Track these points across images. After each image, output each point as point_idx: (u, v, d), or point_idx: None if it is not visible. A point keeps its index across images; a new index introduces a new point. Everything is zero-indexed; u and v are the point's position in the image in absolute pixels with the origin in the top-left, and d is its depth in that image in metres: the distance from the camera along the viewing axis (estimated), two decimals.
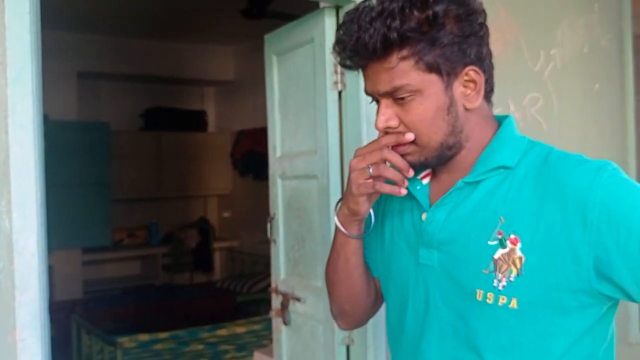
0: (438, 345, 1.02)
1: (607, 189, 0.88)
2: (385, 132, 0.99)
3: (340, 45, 0.98)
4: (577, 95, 2.51)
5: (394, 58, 0.93)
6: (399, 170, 1.00)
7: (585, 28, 2.52)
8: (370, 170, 0.99)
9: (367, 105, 1.98)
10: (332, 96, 2.06)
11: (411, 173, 0.99)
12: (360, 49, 0.94)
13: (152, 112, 6.05)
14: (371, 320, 1.31)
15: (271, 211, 2.44)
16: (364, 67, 0.99)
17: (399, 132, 0.98)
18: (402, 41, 0.92)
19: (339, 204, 1.09)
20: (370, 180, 1.00)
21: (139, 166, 5.90)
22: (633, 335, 2.53)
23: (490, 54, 1.00)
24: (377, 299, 1.22)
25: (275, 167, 2.42)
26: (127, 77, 5.81)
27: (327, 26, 2.05)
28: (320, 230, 2.13)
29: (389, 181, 1.00)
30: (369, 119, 1.98)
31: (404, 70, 0.93)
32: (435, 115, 0.96)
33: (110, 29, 5.17)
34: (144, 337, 4.18)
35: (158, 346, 4.14)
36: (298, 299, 2.25)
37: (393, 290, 1.13)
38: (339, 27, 0.99)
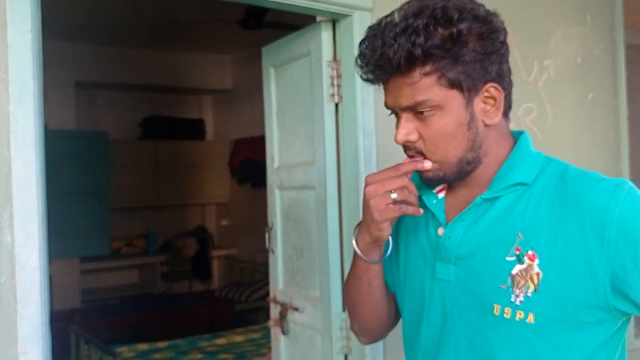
0: (454, 359, 1.03)
1: (625, 208, 0.90)
2: (405, 146, 1.02)
3: (363, 60, 0.99)
4: (570, 104, 2.53)
5: (417, 73, 0.95)
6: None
7: (578, 38, 2.55)
8: (395, 195, 1.00)
9: (363, 117, 2.01)
10: (329, 108, 2.08)
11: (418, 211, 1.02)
12: (384, 64, 0.96)
13: (150, 120, 6.06)
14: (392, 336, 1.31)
15: (269, 221, 2.46)
16: (385, 82, 1.00)
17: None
18: (426, 57, 0.93)
19: (357, 230, 1.10)
20: (392, 205, 1.01)
21: (137, 175, 5.91)
22: (630, 342, 2.55)
23: (509, 72, 1.02)
24: (397, 313, 1.23)
25: (273, 177, 2.44)
26: (125, 86, 5.83)
27: (324, 40, 2.08)
28: (318, 241, 2.15)
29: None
30: (365, 130, 2.01)
31: (426, 86, 0.95)
32: (455, 131, 0.98)
33: (108, 39, 5.20)
34: (142, 346, 4.18)
35: (157, 355, 4.14)
36: (296, 309, 2.27)
37: (408, 303, 1.15)
38: (361, 41, 1.01)
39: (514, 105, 2.54)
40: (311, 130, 2.17)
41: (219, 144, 6.40)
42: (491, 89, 0.98)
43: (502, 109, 1.00)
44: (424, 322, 1.09)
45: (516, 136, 1.07)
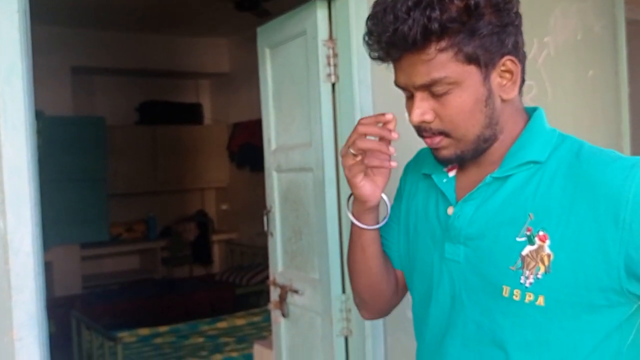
0: (462, 341, 1.01)
1: None
2: (419, 126, 0.98)
3: (373, 37, 0.94)
4: (571, 82, 2.50)
5: (432, 49, 0.90)
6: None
7: (578, 15, 2.51)
8: (351, 149, 1.00)
9: (360, 97, 1.98)
10: (325, 88, 2.06)
11: (394, 136, 0.98)
12: (397, 41, 0.90)
13: (147, 105, 6.03)
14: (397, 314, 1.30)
15: (268, 204, 2.45)
16: (397, 59, 0.95)
17: (433, 129, 0.97)
18: (443, 31, 0.88)
19: (351, 198, 1.10)
20: (357, 160, 1.01)
21: (135, 160, 5.89)
22: None
23: (524, 43, 0.98)
24: (398, 289, 1.22)
25: (270, 160, 2.43)
26: (121, 71, 5.79)
27: (319, 18, 2.04)
28: (316, 223, 2.13)
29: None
30: (362, 110, 1.98)
31: (442, 62, 0.90)
32: (473, 108, 0.94)
33: (103, 23, 5.14)
34: (144, 331, 4.20)
35: (158, 340, 4.16)
36: (296, 291, 2.26)
37: (417, 283, 1.13)
38: (368, 17, 0.95)
39: None
40: (308, 111, 2.14)
41: (217, 128, 6.37)
42: (508, 62, 0.94)
43: (518, 82, 0.97)
44: (432, 302, 1.07)
45: (530, 112, 1.04)
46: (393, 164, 1.01)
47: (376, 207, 1.09)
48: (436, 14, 0.87)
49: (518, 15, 0.96)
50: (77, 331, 4.03)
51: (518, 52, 0.96)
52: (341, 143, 2.07)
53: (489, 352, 0.98)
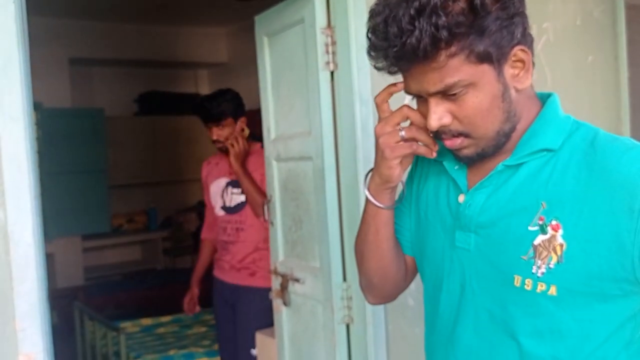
0: (474, 330, 1.01)
1: None
2: (439, 130, 0.95)
3: (378, 52, 0.91)
4: (570, 68, 2.50)
5: (443, 56, 0.86)
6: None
7: (577, 0, 2.50)
8: (403, 133, 0.98)
9: (359, 84, 1.97)
10: (324, 76, 2.05)
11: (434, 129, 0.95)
12: (406, 54, 0.87)
13: (146, 96, 6.02)
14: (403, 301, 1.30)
15: (268, 194, 2.45)
16: (407, 69, 0.92)
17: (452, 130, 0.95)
18: (451, 37, 0.85)
19: (369, 176, 1.08)
20: (403, 142, 0.99)
21: (135, 151, 5.89)
22: None
23: (529, 27, 0.95)
24: (407, 274, 1.20)
25: (269, 149, 2.42)
26: (119, 62, 5.77)
27: (317, 6, 2.03)
28: (316, 212, 2.14)
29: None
30: (362, 98, 1.98)
31: (454, 67, 0.87)
32: (491, 105, 0.91)
33: (100, 14, 5.12)
34: (146, 321, 4.21)
35: (161, 330, 4.17)
36: (297, 280, 2.26)
37: (428, 270, 1.12)
38: (369, 30, 0.92)
39: None
40: (307, 99, 2.14)
41: None
42: (519, 52, 0.91)
43: (531, 70, 0.94)
44: (443, 291, 1.06)
45: (544, 98, 1.01)
46: (434, 153, 1.00)
47: (395, 187, 1.07)
48: (442, 20, 0.84)
49: (522, 1, 0.93)
50: (79, 322, 4.05)
51: (527, 39, 0.93)
52: (340, 131, 2.06)
53: (501, 341, 0.97)
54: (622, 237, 0.86)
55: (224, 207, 2.82)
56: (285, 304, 2.35)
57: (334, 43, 2.03)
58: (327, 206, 2.06)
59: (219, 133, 2.75)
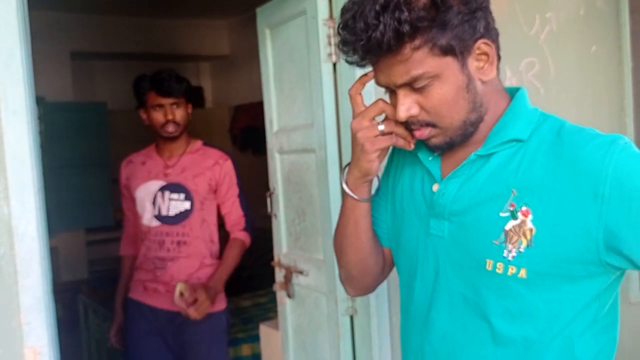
0: (448, 313, 1.05)
1: (619, 164, 0.89)
2: (407, 120, 1.00)
3: (348, 46, 0.96)
4: (573, 58, 2.48)
5: (407, 50, 0.92)
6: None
7: None
8: (382, 126, 1.02)
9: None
10: (326, 68, 2.04)
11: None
12: (372, 48, 0.92)
13: None
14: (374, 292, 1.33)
15: (271, 186, 2.45)
16: (375, 62, 0.98)
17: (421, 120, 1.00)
18: (414, 31, 0.90)
19: (346, 170, 1.12)
20: (382, 136, 1.03)
21: (137, 145, 5.81)
22: (633, 295, 2.56)
23: (494, 21, 1.01)
24: (385, 266, 1.24)
25: (272, 141, 2.42)
26: (121, 55, 5.76)
27: None
28: (319, 204, 2.14)
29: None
30: (364, 90, 1.97)
31: (419, 60, 0.93)
32: (456, 96, 0.96)
33: (101, 8, 5.11)
34: None
35: None
36: (301, 272, 2.27)
37: (403, 259, 1.16)
38: (339, 25, 0.97)
39: (515, 60, 2.49)
40: (309, 91, 2.13)
41: (218, 111, 6.35)
42: (482, 45, 0.97)
43: (495, 62, 0.99)
44: (417, 278, 1.10)
45: (513, 92, 1.06)
46: (412, 145, 1.04)
47: (372, 180, 1.11)
48: (405, 15, 0.88)
49: None
50: (84, 315, 4.07)
51: (490, 33, 0.98)
52: (343, 123, 2.06)
53: (473, 323, 1.02)
54: (588, 221, 0.90)
55: (158, 217, 2.36)
56: (289, 296, 2.36)
57: (336, 34, 2.02)
58: (330, 198, 2.06)
59: (175, 112, 2.38)
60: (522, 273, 0.95)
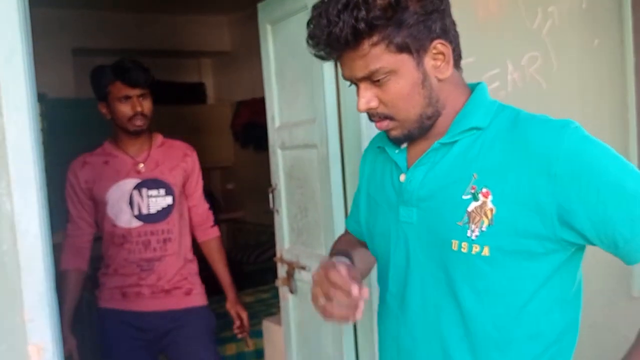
0: (421, 296, 1.12)
1: (569, 145, 0.97)
2: (368, 113, 1.09)
3: (313, 40, 1.04)
4: (576, 52, 2.48)
5: (366, 45, 1.00)
6: None
7: None
8: (321, 300, 1.04)
9: None
10: (328, 64, 2.04)
11: (355, 291, 0.99)
12: (332, 42, 1.01)
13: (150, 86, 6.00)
14: (376, 285, 1.34)
15: (273, 182, 2.45)
16: (338, 57, 1.06)
17: (380, 113, 1.08)
18: (371, 29, 0.99)
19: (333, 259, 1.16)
20: (323, 309, 1.04)
21: None
22: (636, 289, 2.55)
23: (454, 24, 1.08)
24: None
25: (274, 137, 2.42)
26: (122, 51, 5.72)
27: None
28: (322, 199, 2.14)
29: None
30: (350, 86, 1.97)
31: (376, 55, 1.01)
32: (411, 91, 1.04)
33: (102, 4, 5.10)
34: None
35: None
36: (303, 267, 2.27)
37: (378, 249, 1.24)
38: (308, 22, 1.05)
39: (517, 55, 2.48)
40: (311, 87, 2.13)
41: (220, 107, 6.35)
42: (438, 45, 1.04)
43: (452, 62, 1.06)
44: (390, 264, 1.18)
45: (474, 87, 1.14)
46: (358, 316, 1.02)
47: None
48: (362, 14, 0.97)
49: (443, 0, 1.05)
50: (87, 312, 4.07)
51: (448, 34, 1.05)
52: (345, 118, 2.05)
53: (445, 303, 1.08)
54: (542, 199, 0.98)
55: (139, 216, 2.21)
56: (291, 291, 2.36)
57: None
58: (332, 193, 2.06)
59: (143, 104, 2.19)
60: (486, 251, 1.02)
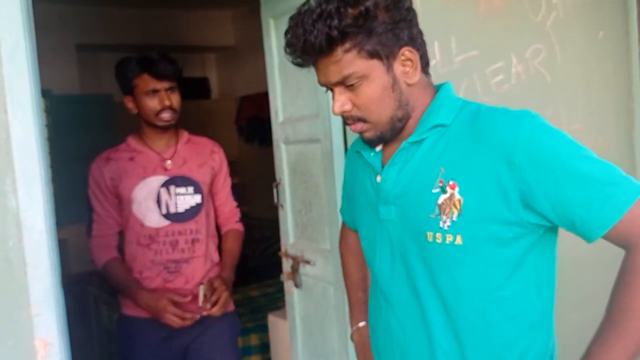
0: (408, 289, 1.19)
1: (527, 134, 1.03)
2: (343, 116, 1.14)
3: (290, 48, 1.11)
4: (580, 44, 2.46)
5: (339, 52, 1.07)
6: None
7: None
8: None
9: None
10: None
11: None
12: (308, 49, 1.08)
13: None
14: None
15: (277, 177, 2.45)
16: (314, 64, 1.13)
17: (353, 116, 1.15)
18: (343, 37, 1.06)
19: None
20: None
21: None
22: None
23: (421, 33, 1.15)
24: None
25: (278, 132, 2.42)
26: (126, 47, 5.74)
27: None
28: (326, 194, 2.14)
29: None
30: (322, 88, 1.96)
31: (349, 61, 1.08)
32: (382, 95, 1.11)
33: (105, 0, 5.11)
34: None
35: None
36: (308, 262, 2.28)
37: (365, 248, 1.32)
38: (286, 31, 1.12)
39: (521, 47, 2.46)
40: (314, 81, 2.11)
41: (224, 102, 6.35)
42: (406, 52, 1.11)
43: (419, 67, 1.13)
44: (376, 261, 1.25)
45: (439, 87, 1.21)
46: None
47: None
48: (335, 22, 1.04)
49: (410, 10, 1.12)
50: (94, 307, 4.10)
51: (415, 42, 1.12)
52: None
53: (427, 294, 1.15)
54: (505, 186, 1.04)
55: (167, 215, 2.09)
56: (296, 285, 2.37)
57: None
58: (336, 188, 2.06)
59: (171, 98, 2.09)
60: (458, 240, 1.08)
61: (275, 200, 2.47)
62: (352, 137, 2.05)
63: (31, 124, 1.35)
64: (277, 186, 2.45)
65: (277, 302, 4.19)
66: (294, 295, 2.43)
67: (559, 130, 1.06)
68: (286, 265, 2.44)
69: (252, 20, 5.50)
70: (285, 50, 1.13)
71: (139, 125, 2.19)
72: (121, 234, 2.21)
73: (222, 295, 2.02)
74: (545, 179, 1.02)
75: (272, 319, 2.94)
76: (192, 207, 2.12)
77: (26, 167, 1.35)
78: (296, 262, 2.34)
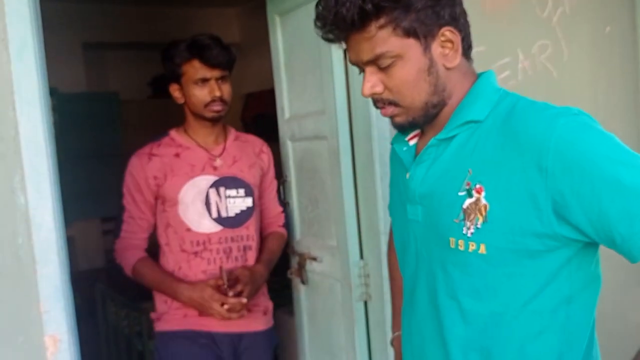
0: (427, 293, 1.10)
1: (561, 136, 0.91)
2: (373, 99, 1.06)
3: (320, 21, 1.02)
4: (587, 39, 2.45)
5: (373, 28, 0.98)
6: None
7: None
8: None
9: None
10: (337, 55, 2.03)
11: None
12: (339, 23, 0.99)
13: (160, 79, 6.01)
14: (387, 276, 1.35)
15: (283, 174, 2.46)
16: (345, 39, 1.03)
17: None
18: (378, 11, 0.97)
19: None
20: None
21: (150, 134, 5.89)
22: None
23: (464, 13, 1.05)
24: None
25: (284, 129, 2.42)
26: (132, 45, 5.77)
27: None
28: (332, 191, 2.14)
29: None
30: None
31: (383, 38, 0.99)
32: (417, 77, 1.01)
33: None
34: None
35: None
36: (314, 259, 2.28)
37: (396, 247, 1.25)
38: (317, 3, 1.03)
39: (527, 43, 2.46)
40: (320, 78, 2.13)
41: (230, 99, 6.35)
42: (447, 32, 1.01)
43: (460, 50, 1.03)
44: (406, 261, 1.18)
45: (480, 76, 1.10)
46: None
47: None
48: None
49: None
50: (102, 304, 4.11)
51: (457, 22, 1.03)
52: (355, 109, 2.05)
53: (445, 303, 1.06)
54: (536, 194, 0.93)
55: (218, 219, 1.91)
56: (303, 282, 2.37)
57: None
58: (343, 185, 2.06)
59: (222, 88, 1.93)
60: (482, 249, 0.98)
61: (282, 197, 2.47)
62: (359, 133, 2.05)
63: (39, 122, 1.36)
64: (283, 183, 2.45)
65: (284, 298, 4.19)
66: (300, 292, 2.43)
67: (603, 131, 0.93)
68: (293, 262, 2.45)
69: (257, 17, 5.51)
70: (315, 23, 1.04)
71: (184, 116, 2.02)
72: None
73: (246, 289, 1.83)
74: (580, 188, 0.89)
75: (279, 316, 2.94)
76: (242, 212, 1.94)
77: (35, 164, 1.36)
78: (303, 258, 2.34)
